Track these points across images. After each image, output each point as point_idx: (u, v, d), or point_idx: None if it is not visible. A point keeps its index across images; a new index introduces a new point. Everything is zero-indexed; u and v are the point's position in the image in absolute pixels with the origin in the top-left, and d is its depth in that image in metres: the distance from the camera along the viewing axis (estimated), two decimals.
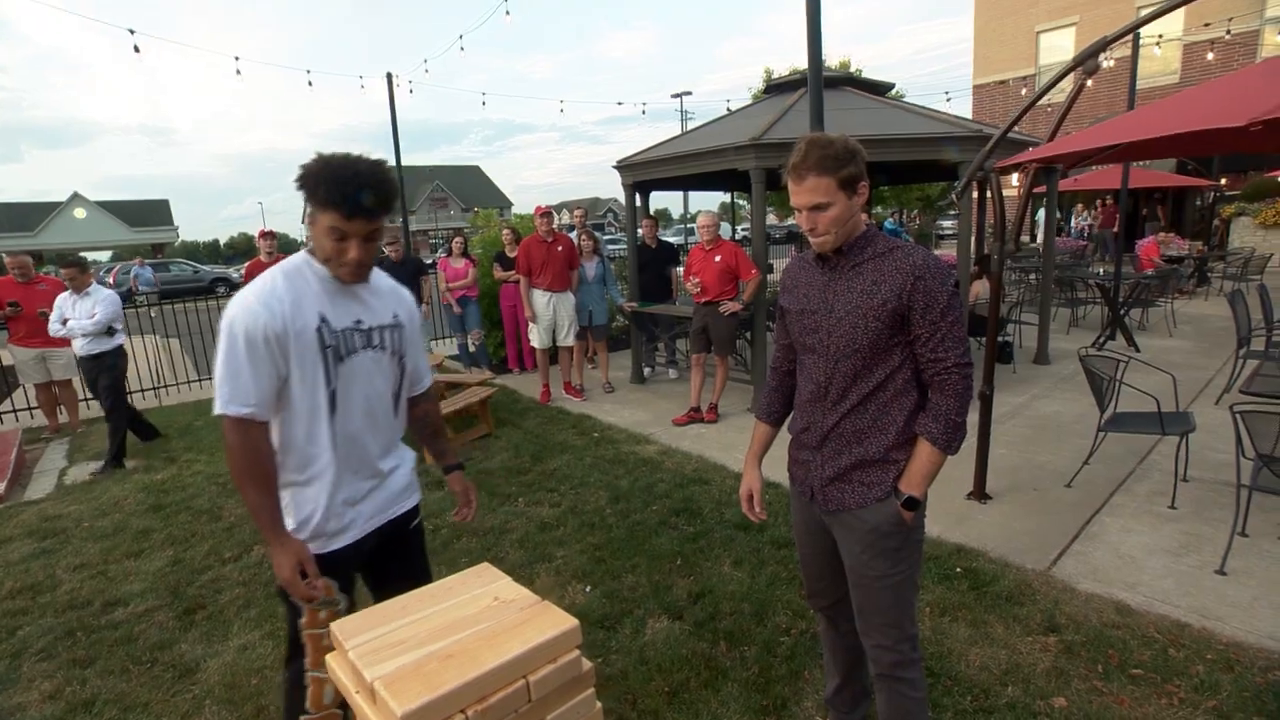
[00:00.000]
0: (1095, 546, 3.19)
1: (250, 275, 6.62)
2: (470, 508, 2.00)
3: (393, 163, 8.72)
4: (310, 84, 10.01)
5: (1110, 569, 2.98)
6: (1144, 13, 2.81)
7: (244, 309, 1.47)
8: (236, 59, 9.94)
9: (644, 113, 20.04)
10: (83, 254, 6.93)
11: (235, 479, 1.50)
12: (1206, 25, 14.50)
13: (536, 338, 6.20)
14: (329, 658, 1.05)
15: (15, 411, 6.89)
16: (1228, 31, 14.14)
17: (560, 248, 6.13)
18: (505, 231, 7.21)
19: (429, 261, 10.62)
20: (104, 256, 45.95)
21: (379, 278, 1.74)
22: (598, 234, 7.67)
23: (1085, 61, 3.38)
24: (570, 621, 1.05)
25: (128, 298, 17.96)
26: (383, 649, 0.96)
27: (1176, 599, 2.72)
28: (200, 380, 8.21)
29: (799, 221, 1.60)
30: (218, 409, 1.48)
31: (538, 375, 6.51)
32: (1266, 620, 2.55)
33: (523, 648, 0.96)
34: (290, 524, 1.58)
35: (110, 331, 5.21)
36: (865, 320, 1.57)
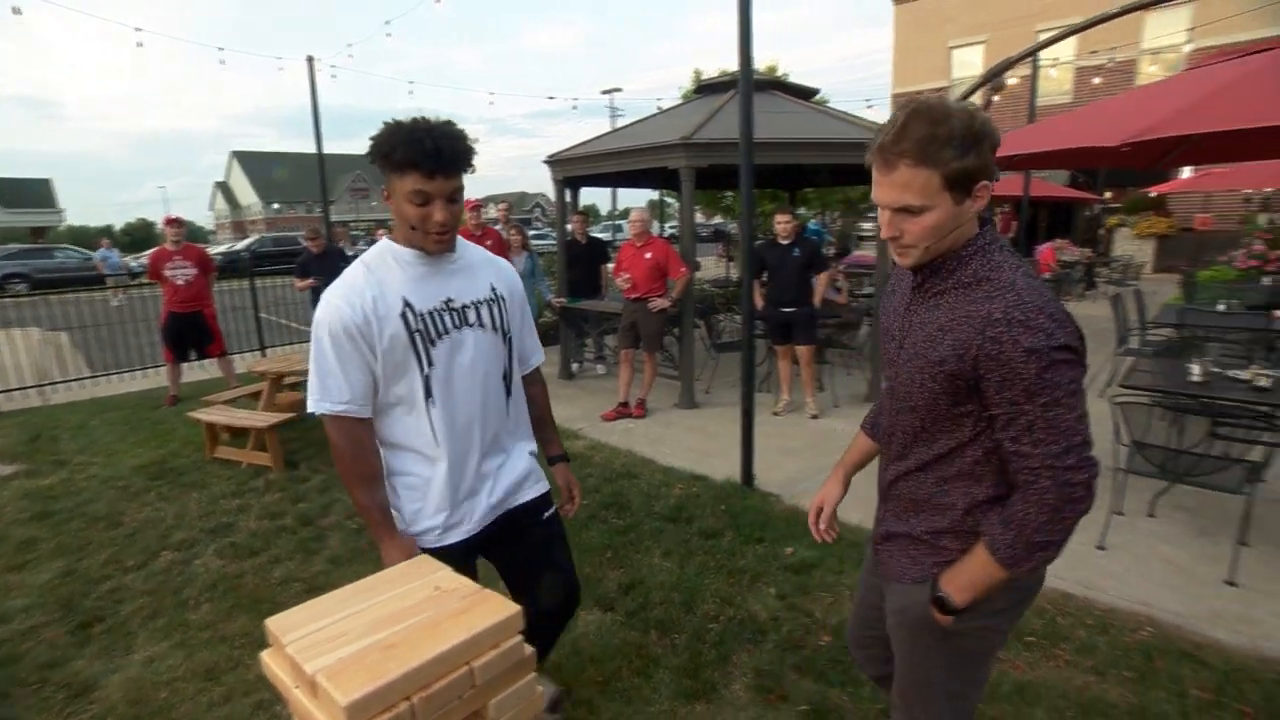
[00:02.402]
0: None
1: (155, 264, 6.17)
2: (574, 504, 1.92)
3: (313, 150, 8.37)
4: (223, 62, 9.42)
5: None
6: (1041, 36, 3.09)
7: (326, 307, 1.47)
8: (138, 30, 9.25)
9: (575, 108, 19.89)
10: None
11: (341, 478, 1.51)
12: (1093, 53, 15.76)
13: None
14: (264, 658, 1.02)
15: None
16: (1110, 60, 15.44)
17: (489, 242, 6.04)
18: None
19: (350, 254, 10.22)
20: None
21: (471, 250, 1.67)
22: (526, 229, 7.61)
23: (993, 79, 3.64)
24: (512, 608, 1.06)
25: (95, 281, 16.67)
26: (322, 642, 0.95)
27: (1064, 573, 2.97)
28: (96, 376, 7.62)
29: (880, 221, 1.18)
30: (310, 407, 1.49)
31: None
32: (1137, 588, 2.83)
33: (466, 634, 0.97)
34: (400, 520, 1.57)
35: None
36: (922, 375, 1.19)
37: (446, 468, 1.55)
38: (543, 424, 1.90)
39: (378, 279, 1.50)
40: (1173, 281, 11.22)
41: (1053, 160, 5.75)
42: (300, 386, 6.05)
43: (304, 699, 0.91)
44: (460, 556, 1.60)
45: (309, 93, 9.70)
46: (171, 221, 6.34)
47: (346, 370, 1.46)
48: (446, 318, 1.54)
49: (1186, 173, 12.74)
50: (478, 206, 6.10)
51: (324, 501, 4.00)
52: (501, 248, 6.22)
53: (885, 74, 22.35)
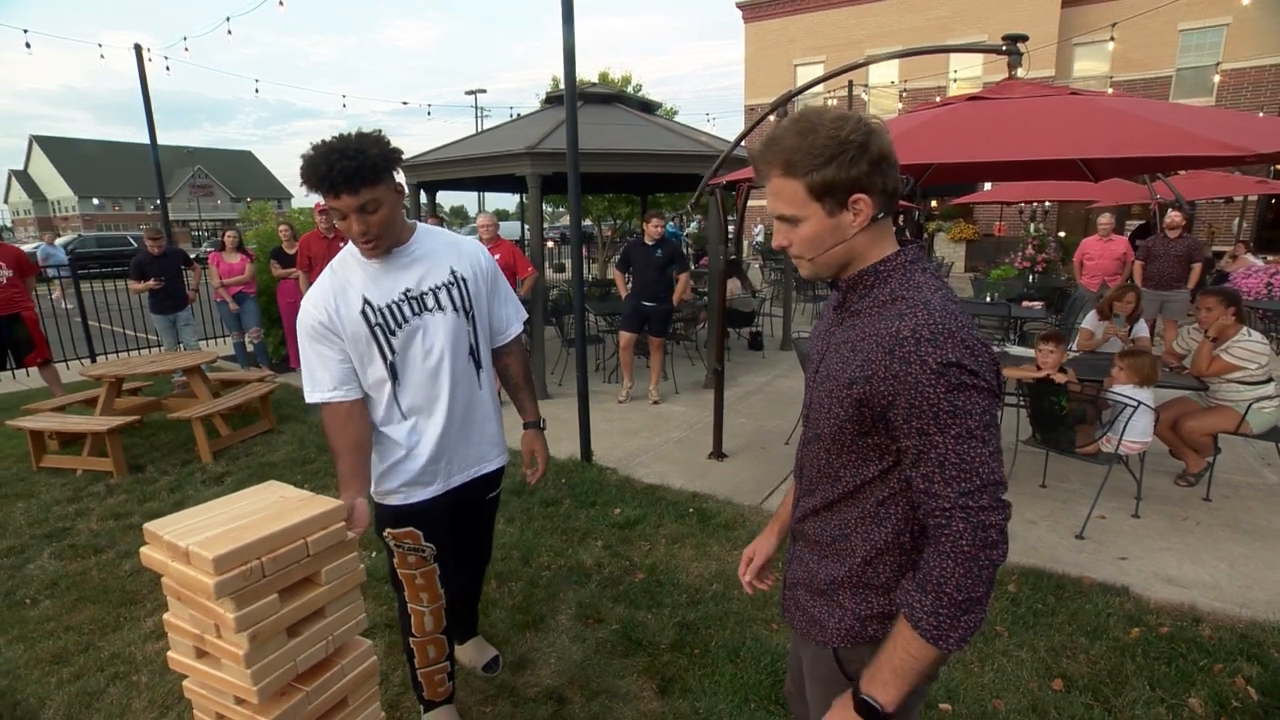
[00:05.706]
0: None
1: None
2: (537, 471, 2.01)
3: (140, 140, 7.91)
4: (28, 45, 8.64)
5: None
6: (869, 55, 3.71)
7: (302, 313, 1.67)
8: None
9: (429, 114, 19.70)
10: None
11: (329, 449, 1.73)
12: (906, 81, 18.18)
13: None
14: (144, 551, 1.33)
15: None
16: (904, 92, 18.10)
17: (342, 245, 6.13)
18: (283, 228, 7.00)
19: (193, 256, 9.61)
20: None
21: (431, 238, 1.77)
22: None
23: (779, 106, 4.36)
24: (336, 502, 1.46)
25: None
26: (191, 530, 1.29)
27: None
28: None
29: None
30: (306, 398, 1.70)
31: None
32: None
33: (301, 517, 1.35)
34: (375, 476, 1.78)
35: None
36: (831, 399, 1.11)
37: (414, 439, 1.74)
38: (516, 390, 2.02)
39: (341, 280, 1.67)
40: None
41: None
42: (143, 391, 5.85)
43: (182, 568, 1.26)
44: (430, 514, 1.81)
45: (137, 79, 9.08)
46: None
47: (327, 362, 1.65)
48: (405, 307, 1.68)
49: (987, 186, 14.85)
50: (327, 210, 6.15)
51: (177, 499, 4.04)
52: None
53: (740, 84, 24.05)
